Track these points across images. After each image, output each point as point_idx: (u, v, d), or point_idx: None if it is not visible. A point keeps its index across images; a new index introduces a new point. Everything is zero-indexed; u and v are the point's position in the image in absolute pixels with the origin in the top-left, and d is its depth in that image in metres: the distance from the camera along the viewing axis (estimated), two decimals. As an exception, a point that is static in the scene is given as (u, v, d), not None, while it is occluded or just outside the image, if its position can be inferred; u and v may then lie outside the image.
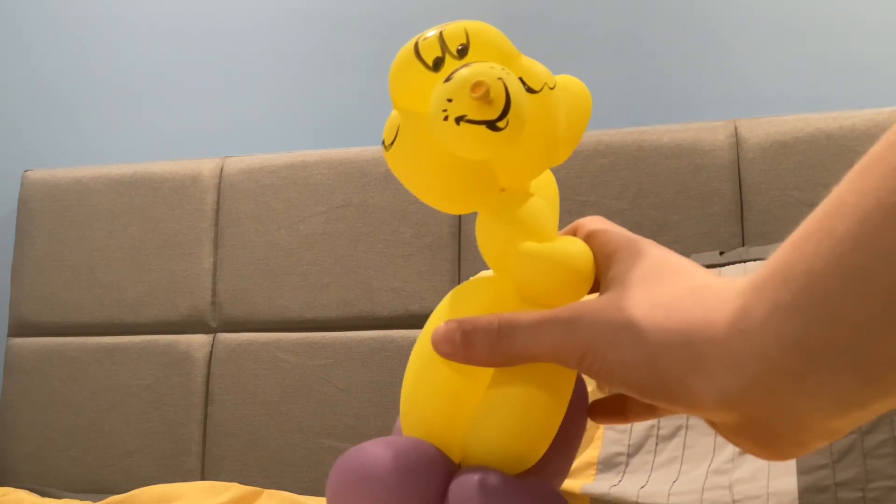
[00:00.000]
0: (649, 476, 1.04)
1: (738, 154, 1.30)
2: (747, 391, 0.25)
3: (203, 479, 1.42)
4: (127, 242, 1.53)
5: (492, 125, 0.31)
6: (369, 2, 1.62)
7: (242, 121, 1.66)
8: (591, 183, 1.33)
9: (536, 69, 0.34)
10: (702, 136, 1.32)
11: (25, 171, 1.63)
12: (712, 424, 0.30)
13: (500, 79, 0.31)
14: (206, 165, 1.54)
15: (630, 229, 0.35)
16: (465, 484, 0.30)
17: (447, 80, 0.32)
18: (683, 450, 1.05)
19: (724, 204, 1.29)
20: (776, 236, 1.25)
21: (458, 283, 1.38)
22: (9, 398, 1.54)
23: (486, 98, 0.31)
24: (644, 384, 0.28)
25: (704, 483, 0.99)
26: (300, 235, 1.46)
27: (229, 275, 1.48)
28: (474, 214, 0.36)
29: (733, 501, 0.96)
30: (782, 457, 0.27)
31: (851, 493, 0.92)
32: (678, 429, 1.07)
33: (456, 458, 0.32)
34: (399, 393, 1.33)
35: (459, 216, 1.40)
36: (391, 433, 0.35)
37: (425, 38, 0.34)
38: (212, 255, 1.50)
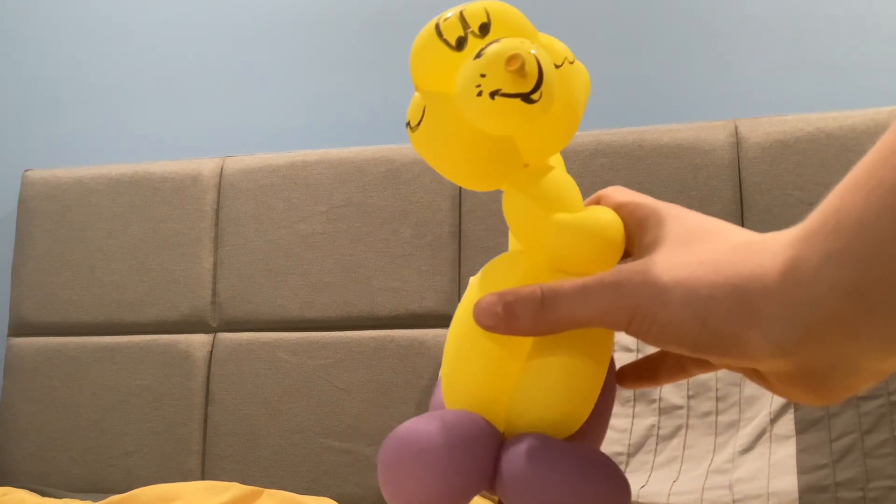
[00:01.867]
0: (649, 476, 1.04)
1: (738, 154, 1.30)
2: (802, 339, 0.26)
3: (203, 478, 1.42)
4: (127, 242, 1.53)
5: (526, 97, 0.31)
6: (369, 2, 1.62)
7: (242, 121, 1.66)
8: (591, 183, 1.33)
9: (556, 45, 0.35)
10: (702, 136, 1.32)
11: (25, 171, 1.63)
12: (756, 376, 0.31)
13: (531, 52, 0.32)
14: (206, 165, 1.54)
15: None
16: (518, 450, 0.31)
17: (477, 56, 0.32)
18: (683, 450, 1.05)
19: (724, 204, 1.29)
20: (776, 236, 1.25)
21: (459, 282, 1.38)
22: (9, 398, 1.54)
23: (521, 71, 0.31)
24: (697, 340, 0.28)
25: (704, 483, 0.99)
26: (300, 235, 1.46)
27: (229, 275, 1.48)
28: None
29: (733, 501, 0.96)
30: (831, 400, 0.28)
31: (851, 493, 0.92)
32: (678, 429, 1.07)
33: (500, 428, 0.33)
34: (399, 392, 1.34)
35: (460, 216, 1.40)
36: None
37: (446, 19, 0.35)
38: (212, 255, 1.50)
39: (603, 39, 1.50)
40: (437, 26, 0.35)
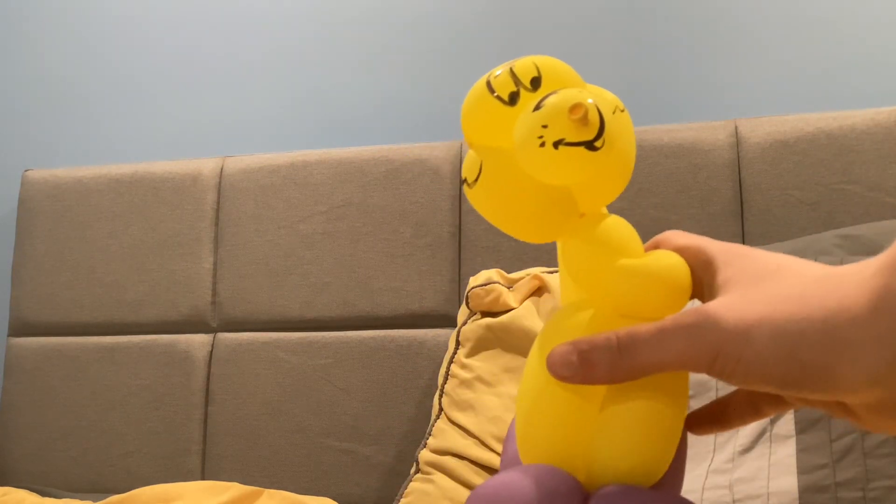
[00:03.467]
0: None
1: (738, 154, 1.30)
2: (895, 367, 0.26)
3: (203, 478, 1.42)
4: (127, 242, 1.53)
5: (590, 145, 0.32)
6: (369, 2, 1.62)
7: (242, 121, 1.66)
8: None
9: (605, 94, 0.35)
10: (702, 136, 1.32)
11: (25, 171, 1.63)
12: (842, 410, 0.31)
13: (590, 101, 0.32)
14: (206, 165, 1.54)
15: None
16: (609, 501, 0.31)
17: (537, 108, 0.33)
18: (683, 450, 1.05)
19: (724, 204, 1.29)
20: (776, 236, 1.25)
21: (459, 282, 1.38)
22: (9, 398, 1.54)
23: (584, 119, 0.32)
24: (787, 376, 0.28)
25: (704, 483, 0.99)
26: (300, 235, 1.46)
27: (229, 275, 1.48)
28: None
29: (733, 501, 0.96)
30: None
31: (852, 493, 0.92)
32: (678, 429, 1.07)
33: (581, 480, 0.33)
34: (399, 392, 1.34)
35: (459, 216, 1.40)
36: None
37: (496, 76, 0.35)
38: (212, 255, 1.50)
39: (603, 40, 1.50)
40: (489, 83, 0.35)
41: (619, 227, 0.35)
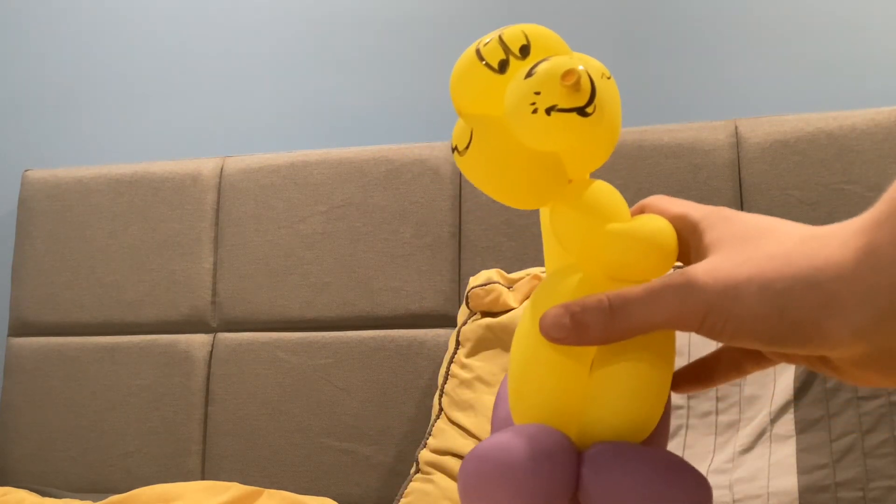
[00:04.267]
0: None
1: (738, 154, 1.30)
2: (881, 322, 0.27)
3: (203, 478, 1.42)
4: (127, 242, 1.53)
5: (581, 111, 0.33)
6: (369, 2, 1.62)
7: (242, 121, 1.66)
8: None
9: (593, 61, 0.36)
10: (702, 136, 1.32)
11: (25, 171, 1.63)
12: (824, 365, 0.32)
13: (581, 67, 0.33)
14: (206, 165, 1.54)
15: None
16: (600, 459, 0.32)
17: (528, 75, 0.33)
18: (683, 450, 1.05)
19: (723, 204, 1.29)
20: (776, 236, 1.25)
21: (459, 282, 1.38)
22: (9, 398, 1.54)
23: (577, 85, 0.32)
24: (775, 332, 0.29)
25: (704, 483, 0.99)
26: (300, 235, 1.46)
27: (229, 275, 1.48)
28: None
29: (733, 501, 0.96)
30: None
31: (852, 493, 0.92)
32: (678, 428, 1.07)
33: (573, 439, 0.34)
34: (399, 392, 1.34)
35: (459, 216, 1.40)
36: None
37: (486, 44, 0.36)
38: (212, 255, 1.50)
39: (602, 39, 1.50)
40: (478, 51, 0.36)
41: (607, 192, 0.36)
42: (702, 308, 0.30)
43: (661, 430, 0.35)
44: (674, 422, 1.08)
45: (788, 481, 0.95)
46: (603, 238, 0.34)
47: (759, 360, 0.37)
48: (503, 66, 0.35)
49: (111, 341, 1.51)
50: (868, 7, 1.41)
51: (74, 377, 1.51)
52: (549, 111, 0.33)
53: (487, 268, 1.32)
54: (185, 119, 1.69)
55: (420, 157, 1.43)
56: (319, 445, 1.38)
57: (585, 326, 0.32)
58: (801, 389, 1.01)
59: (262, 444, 1.41)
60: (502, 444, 0.31)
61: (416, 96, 1.57)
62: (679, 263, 0.35)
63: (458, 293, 1.38)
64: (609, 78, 0.35)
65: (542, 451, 0.31)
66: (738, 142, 1.31)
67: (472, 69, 0.36)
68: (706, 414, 1.07)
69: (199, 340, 1.48)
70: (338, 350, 1.41)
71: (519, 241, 1.36)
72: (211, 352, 1.47)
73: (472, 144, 0.35)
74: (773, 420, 1.01)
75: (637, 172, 1.33)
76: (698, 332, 0.31)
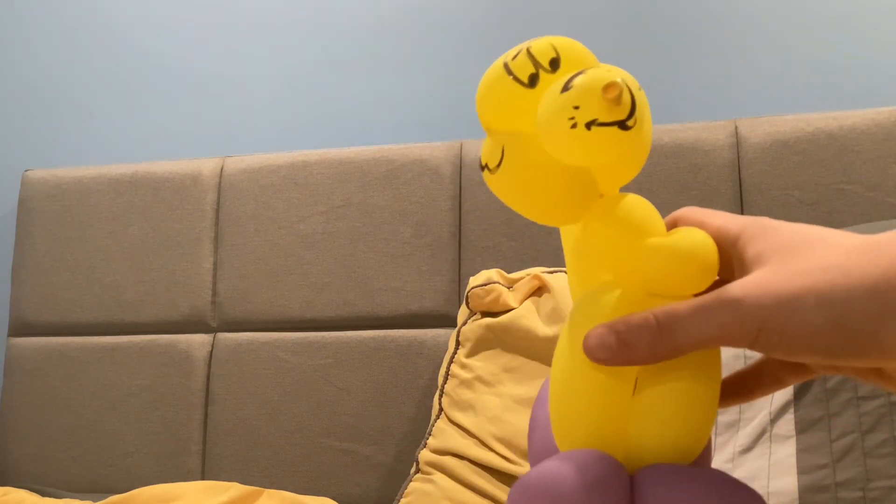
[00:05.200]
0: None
1: (738, 154, 1.30)
2: None
3: (203, 478, 1.42)
4: (127, 242, 1.53)
5: (623, 125, 0.32)
6: (369, 2, 1.62)
7: (242, 121, 1.66)
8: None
9: (624, 73, 0.35)
10: (702, 136, 1.32)
11: (25, 171, 1.63)
12: (877, 377, 0.31)
13: (620, 80, 0.32)
14: (206, 165, 1.54)
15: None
16: (654, 483, 0.31)
17: (565, 89, 0.32)
18: (683, 449, 1.05)
19: (724, 204, 1.29)
20: (776, 236, 1.25)
21: (459, 282, 1.38)
22: (9, 398, 1.54)
23: (618, 99, 0.31)
24: (833, 345, 0.28)
25: (704, 483, 0.99)
26: (300, 235, 1.46)
27: (229, 275, 1.48)
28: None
29: (733, 501, 0.95)
30: None
31: (852, 493, 0.92)
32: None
33: (622, 462, 0.33)
34: (399, 392, 1.34)
35: (459, 216, 1.40)
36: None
37: (514, 57, 0.35)
38: (212, 255, 1.50)
39: (602, 40, 1.50)
40: (506, 65, 0.35)
41: (642, 206, 0.35)
42: (755, 323, 0.29)
43: (707, 448, 0.34)
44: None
45: (788, 481, 0.95)
46: (642, 253, 0.33)
47: (801, 371, 0.36)
48: (533, 81, 0.34)
49: (111, 341, 1.51)
50: (868, 7, 1.41)
51: (74, 377, 1.51)
52: (589, 125, 0.32)
53: (487, 268, 1.32)
54: (185, 119, 1.69)
55: (420, 157, 1.43)
56: (319, 445, 1.38)
57: (632, 346, 0.31)
58: (801, 389, 1.01)
59: (262, 444, 1.41)
60: (552, 473, 0.30)
61: (416, 96, 1.57)
62: (718, 278, 0.35)
63: (458, 293, 1.38)
64: (640, 89, 0.35)
65: (594, 479, 0.30)
66: (738, 142, 1.31)
67: (500, 84, 0.35)
68: (706, 414, 1.07)
69: (199, 340, 1.48)
70: (338, 350, 1.41)
71: (519, 241, 1.36)
72: (211, 352, 1.47)
73: (504, 162, 0.34)
74: (773, 420, 1.01)
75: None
76: (751, 347, 0.30)
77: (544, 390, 0.36)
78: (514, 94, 0.34)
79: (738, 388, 0.38)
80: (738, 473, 0.98)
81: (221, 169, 1.53)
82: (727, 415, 1.06)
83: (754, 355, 1.09)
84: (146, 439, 1.46)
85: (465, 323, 1.25)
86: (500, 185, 0.35)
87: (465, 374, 1.21)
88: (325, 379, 1.40)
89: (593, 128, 0.32)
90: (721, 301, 0.30)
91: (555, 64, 0.34)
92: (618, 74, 0.33)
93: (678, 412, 0.32)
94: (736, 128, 1.32)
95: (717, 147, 1.31)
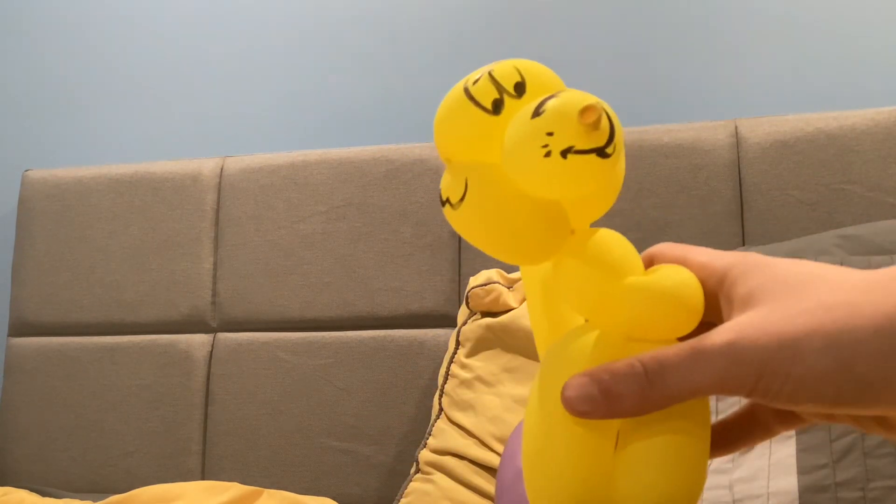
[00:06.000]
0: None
1: (738, 154, 1.30)
2: None
3: (203, 478, 1.42)
4: (127, 242, 1.53)
5: (601, 152, 0.29)
6: (369, 2, 1.62)
7: (242, 121, 1.66)
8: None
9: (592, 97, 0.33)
10: (702, 136, 1.32)
11: (25, 171, 1.63)
12: (881, 426, 0.29)
13: (599, 102, 0.29)
14: (206, 165, 1.54)
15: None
16: None
17: (537, 114, 0.30)
18: (683, 450, 1.05)
19: (724, 204, 1.29)
20: (776, 236, 1.25)
21: (459, 283, 1.38)
22: (9, 398, 1.54)
23: (597, 124, 0.29)
24: (841, 392, 0.26)
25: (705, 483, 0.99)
26: (300, 235, 1.46)
27: (229, 275, 1.48)
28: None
29: (733, 501, 0.96)
30: None
31: (852, 493, 0.92)
32: (678, 429, 1.07)
33: None
34: (399, 392, 1.34)
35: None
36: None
37: (475, 82, 0.32)
38: (212, 255, 1.50)
39: (603, 40, 1.50)
40: (467, 90, 0.32)
41: (618, 242, 0.32)
42: (755, 369, 0.26)
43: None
44: (674, 422, 1.08)
45: (788, 481, 0.95)
46: (622, 294, 0.30)
47: (792, 420, 0.33)
48: (497, 107, 0.31)
49: (111, 341, 1.51)
50: (868, 7, 1.41)
51: (74, 377, 1.51)
52: (564, 154, 0.29)
53: (487, 268, 1.32)
54: (185, 119, 1.69)
55: (420, 157, 1.43)
56: (319, 445, 1.38)
57: (618, 397, 0.28)
58: (801, 389, 1.01)
59: (262, 444, 1.41)
60: None
61: (416, 96, 1.57)
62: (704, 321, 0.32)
63: (458, 293, 1.38)
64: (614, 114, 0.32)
65: None
66: (738, 142, 1.31)
67: (461, 111, 0.32)
68: (706, 414, 1.07)
69: (199, 340, 1.48)
70: (338, 350, 1.41)
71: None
72: (211, 352, 1.47)
73: (467, 196, 0.31)
74: (773, 420, 1.01)
75: (637, 172, 1.33)
76: (749, 396, 0.27)
77: (511, 447, 0.34)
78: (477, 122, 0.32)
79: (723, 439, 0.35)
80: (738, 473, 0.98)
81: (221, 169, 1.53)
82: (727, 415, 1.06)
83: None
84: (146, 439, 1.46)
85: (465, 323, 1.25)
86: (463, 222, 0.32)
87: (465, 374, 1.21)
88: (325, 379, 1.40)
89: (569, 156, 0.29)
90: (715, 345, 0.27)
91: (520, 88, 0.31)
92: (591, 97, 0.30)
93: (667, 468, 0.29)
94: (736, 128, 1.32)
95: (717, 147, 1.31)
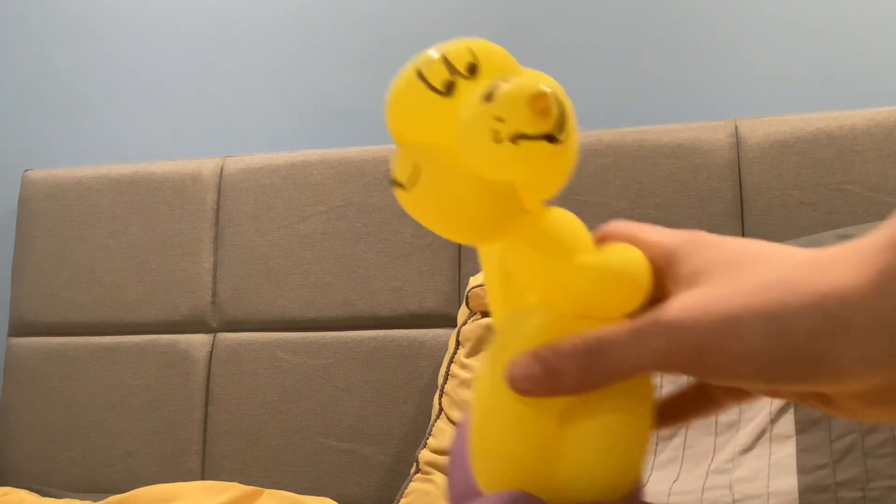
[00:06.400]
0: (649, 476, 1.04)
1: (738, 154, 1.30)
2: None
3: (203, 478, 1.42)
4: (127, 242, 1.53)
5: (551, 138, 0.29)
6: (369, 2, 1.62)
7: (242, 121, 1.66)
8: (592, 183, 1.33)
9: (550, 79, 0.32)
10: (702, 136, 1.32)
11: (25, 171, 1.63)
12: (820, 401, 0.29)
13: (549, 88, 0.29)
14: (206, 165, 1.54)
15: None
16: None
17: (487, 98, 0.30)
18: (684, 449, 1.05)
19: (724, 204, 1.29)
20: (776, 236, 1.25)
21: (459, 282, 1.38)
22: (9, 398, 1.54)
23: (546, 110, 0.29)
24: (780, 370, 0.26)
25: (705, 483, 0.99)
26: (300, 235, 1.46)
27: (229, 275, 1.48)
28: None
29: (733, 501, 0.96)
30: None
31: (852, 493, 0.92)
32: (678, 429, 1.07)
33: (549, 501, 0.30)
34: (399, 392, 1.34)
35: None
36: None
37: (428, 63, 0.32)
38: (212, 255, 1.50)
39: (603, 39, 1.50)
40: (419, 72, 0.32)
41: (569, 222, 0.32)
42: (694, 347, 0.27)
43: (640, 482, 0.32)
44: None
45: (788, 481, 0.95)
46: (571, 273, 0.30)
47: (739, 395, 0.33)
48: (450, 89, 0.31)
49: (111, 341, 1.51)
50: (868, 7, 1.41)
51: (74, 377, 1.51)
52: (515, 139, 0.29)
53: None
54: (185, 119, 1.69)
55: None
56: (319, 445, 1.38)
57: (561, 374, 0.28)
58: (801, 389, 1.01)
59: (262, 444, 1.41)
60: None
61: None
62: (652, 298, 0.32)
63: (458, 293, 1.38)
64: (566, 97, 0.32)
65: None
66: (738, 142, 1.31)
67: (412, 92, 0.32)
68: (706, 414, 1.07)
69: (199, 340, 1.48)
70: (338, 350, 1.41)
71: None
72: (211, 352, 1.47)
73: (420, 178, 0.31)
74: (773, 420, 1.01)
75: (637, 172, 1.33)
76: (689, 373, 0.28)
77: (463, 425, 0.33)
78: (429, 104, 0.31)
79: (673, 412, 0.35)
80: (738, 473, 0.98)
81: (221, 169, 1.53)
82: (727, 415, 1.06)
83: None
84: (146, 439, 1.46)
85: (465, 323, 1.25)
86: (415, 203, 0.32)
87: (465, 374, 1.21)
88: (325, 379, 1.40)
89: (519, 142, 0.29)
90: (656, 323, 0.28)
91: (473, 70, 0.31)
92: (544, 82, 0.30)
93: (609, 445, 0.29)
94: (736, 128, 1.32)
95: (717, 147, 1.31)
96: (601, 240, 0.34)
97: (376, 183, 1.44)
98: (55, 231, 1.57)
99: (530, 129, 0.29)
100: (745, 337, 0.26)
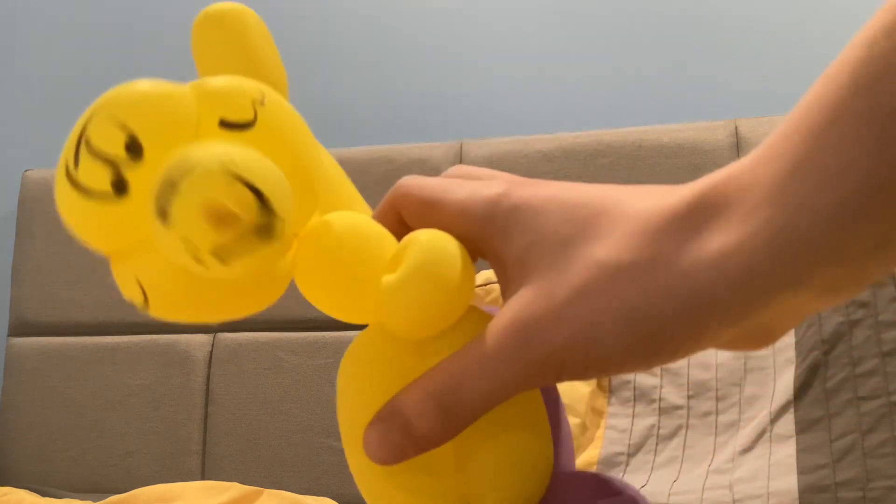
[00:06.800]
0: (650, 476, 1.04)
1: (738, 154, 1.30)
2: (756, 310, 0.23)
3: (203, 479, 1.42)
4: (127, 242, 1.53)
5: (262, 233, 0.22)
6: (370, 2, 1.62)
7: (242, 121, 1.66)
8: (591, 183, 1.33)
9: (231, 89, 0.25)
10: (702, 136, 1.32)
11: (25, 171, 1.63)
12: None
13: (229, 172, 0.22)
14: (206, 165, 1.54)
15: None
16: None
17: (162, 217, 0.22)
18: (684, 449, 1.05)
19: (724, 204, 1.29)
20: (776, 236, 1.25)
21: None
22: (9, 398, 1.54)
23: (228, 218, 0.22)
24: (648, 355, 0.24)
25: (704, 483, 0.99)
26: (300, 235, 1.46)
27: (229, 275, 1.48)
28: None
29: (733, 501, 0.96)
30: (764, 345, 0.25)
31: (852, 493, 0.92)
32: (678, 429, 1.07)
33: None
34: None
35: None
36: None
37: (76, 164, 0.24)
38: (212, 255, 1.50)
39: (603, 39, 1.50)
40: (72, 180, 0.24)
41: (354, 234, 0.27)
42: (554, 361, 0.24)
43: (565, 462, 0.29)
44: (674, 422, 1.08)
45: (788, 481, 0.95)
46: (377, 303, 0.27)
47: None
48: (120, 187, 0.24)
49: (111, 341, 1.51)
50: (867, 7, 1.41)
51: (74, 377, 1.51)
52: (221, 258, 0.22)
53: (488, 268, 1.31)
54: (185, 119, 1.68)
55: (420, 157, 1.43)
56: (319, 445, 1.38)
57: (421, 435, 0.25)
58: (802, 389, 1.01)
59: (262, 444, 1.41)
60: None
61: (416, 96, 1.57)
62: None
63: (458, 293, 1.37)
64: (263, 104, 0.25)
65: None
66: (738, 142, 1.31)
67: (77, 207, 0.26)
68: (706, 414, 1.07)
69: (199, 340, 1.48)
70: (338, 350, 1.41)
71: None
72: (211, 352, 1.47)
73: (148, 294, 0.27)
74: (773, 420, 1.01)
75: (637, 172, 1.32)
76: (556, 382, 0.25)
77: None
78: (105, 212, 0.25)
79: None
80: (738, 473, 0.98)
81: (221, 169, 1.53)
82: (727, 415, 1.06)
83: (752, 355, 1.09)
84: (146, 439, 1.46)
85: (465, 323, 1.25)
86: (164, 314, 0.28)
87: (465, 374, 1.21)
88: (325, 379, 1.40)
89: (230, 259, 0.23)
90: (502, 342, 0.25)
91: (134, 149, 0.23)
92: (217, 162, 0.22)
93: (509, 469, 0.26)
94: (736, 128, 1.32)
95: (717, 147, 1.31)
96: (394, 212, 0.30)
97: (376, 183, 1.44)
98: (55, 231, 1.57)
99: (227, 241, 0.22)
100: (605, 342, 0.24)
